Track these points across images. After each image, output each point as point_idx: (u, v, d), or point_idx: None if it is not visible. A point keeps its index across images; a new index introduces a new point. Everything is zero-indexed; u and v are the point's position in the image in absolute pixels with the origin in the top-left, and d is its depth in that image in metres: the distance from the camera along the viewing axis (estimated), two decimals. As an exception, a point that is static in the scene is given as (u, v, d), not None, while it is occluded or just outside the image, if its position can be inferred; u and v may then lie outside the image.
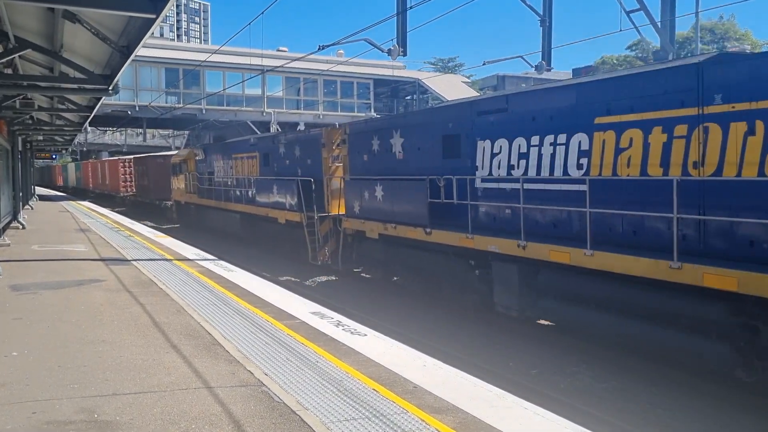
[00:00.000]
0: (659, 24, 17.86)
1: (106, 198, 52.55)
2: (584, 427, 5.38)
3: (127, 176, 47.15)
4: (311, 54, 27.94)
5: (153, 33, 10.13)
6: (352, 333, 8.27)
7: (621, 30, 18.40)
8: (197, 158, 29.00)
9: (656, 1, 18.42)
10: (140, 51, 11.24)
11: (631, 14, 18.05)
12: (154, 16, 8.53)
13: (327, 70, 41.92)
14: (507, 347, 10.65)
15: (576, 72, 11.64)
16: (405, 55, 18.56)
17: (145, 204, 41.74)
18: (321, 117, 47.03)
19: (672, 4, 17.90)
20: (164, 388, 6.13)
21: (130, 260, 14.75)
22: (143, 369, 6.70)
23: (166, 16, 9.11)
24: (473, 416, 5.44)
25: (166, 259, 15.09)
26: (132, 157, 47.37)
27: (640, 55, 49.42)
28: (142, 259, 14.87)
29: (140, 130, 52.98)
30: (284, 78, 46.16)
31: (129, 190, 47.03)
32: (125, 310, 9.54)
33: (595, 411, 7.80)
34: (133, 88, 42.03)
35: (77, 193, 64.50)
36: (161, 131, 63.15)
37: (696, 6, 21.13)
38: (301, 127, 42.74)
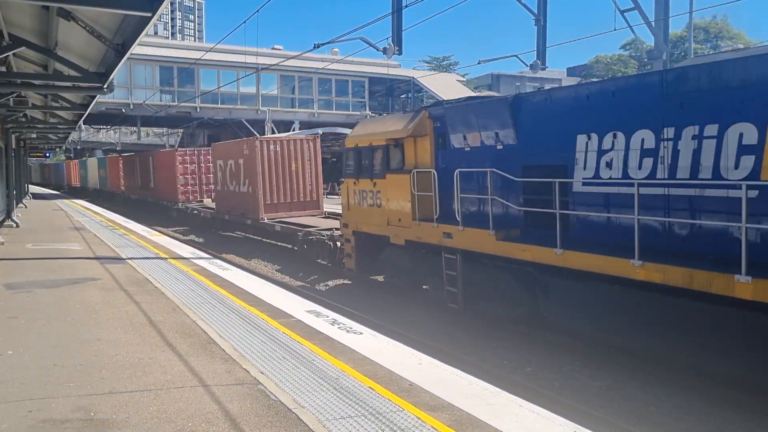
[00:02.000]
0: (653, 23, 17.96)
1: (150, 209, 36.62)
2: (579, 424, 5.42)
3: (189, 176, 31.29)
4: (306, 52, 27.98)
5: (148, 31, 10.11)
6: (347, 331, 8.29)
7: (615, 29, 18.52)
8: (465, 135, 11.88)
9: (650, 1, 18.51)
10: (135, 49, 11.23)
11: (625, 13, 18.16)
12: (149, 15, 8.54)
13: (322, 69, 41.91)
14: (502, 345, 10.68)
15: (571, 71, 11.60)
16: (400, 53, 18.65)
17: (240, 227, 25.42)
18: (316, 115, 47.04)
19: (666, 3, 18.00)
20: (160, 386, 6.14)
21: (125, 259, 14.73)
22: (139, 367, 6.70)
23: (161, 14, 9.09)
24: (468, 414, 5.47)
25: (161, 258, 15.07)
26: (212, 145, 29.22)
27: (634, 54, 49.53)
28: (137, 258, 14.86)
29: (134, 129, 52.87)
30: (279, 76, 46.15)
31: (193, 198, 31.14)
32: (120, 308, 9.54)
33: (589, 409, 7.83)
34: (127, 86, 41.97)
35: (102, 197, 50.39)
36: (155, 130, 63.02)
37: (690, 5, 21.20)
38: (296, 126, 42.80)
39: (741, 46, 35.00)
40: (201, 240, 26.27)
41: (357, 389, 6.07)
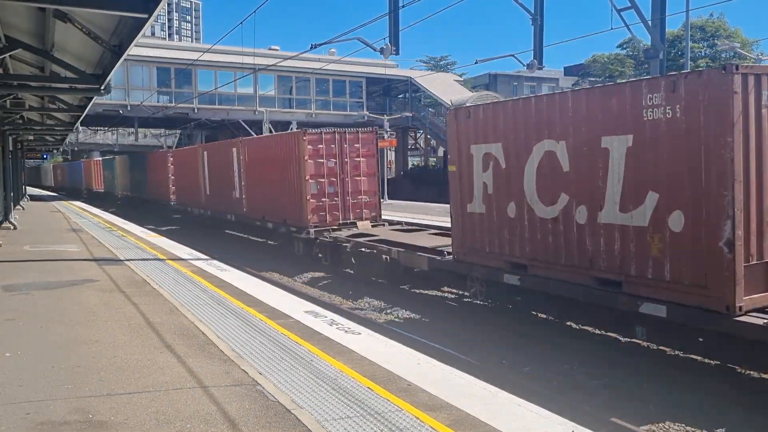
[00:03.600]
0: (650, 22, 18.00)
1: (238, 232, 25.01)
2: (577, 423, 5.42)
3: (326, 180, 18.62)
4: (303, 53, 27.99)
5: (144, 33, 10.11)
6: (346, 331, 8.28)
7: (612, 28, 18.61)
8: None
9: (647, 0, 18.55)
10: (131, 50, 11.22)
11: (622, 12, 18.21)
12: (146, 16, 8.53)
13: (319, 69, 41.91)
14: (500, 345, 10.69)
15: (568, 71, 11.68)
16: (397, 53, 18.72)
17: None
18: (314, 116, 47.03)
19: (662, 2, 18.05)
20: (159, 387, 6.14)
21: (123, 260, 14.71)
22: (137, 369, 6.70)
23: (158, 15, 9.08)
24: (467, 413, 5.47)
25: (159, 259, 15.06)
26: (472, 107, 12.17)
27: (631, 53, 49.57)
28: (135, 259, 14.84)
29: (132, 130, 52.83)
30: (276, 77, 46.14)
31: (332, 220, 18.65)
32: (119, 310, 9.53)
33: (587, 407, 7.84)
34: (124, 87, 41.91)
35: (137, 209, 38.15)
36: (153, 131, 63.00)
37: (686, 4, 21.26)
38: (294, 126, 42.81)
39: (738, 45, 35.07)
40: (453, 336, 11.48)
41: (355, 389, 6.07)
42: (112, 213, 33.04)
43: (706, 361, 9.13)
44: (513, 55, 21.28)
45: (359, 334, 8.22)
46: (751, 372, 8.51)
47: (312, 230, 18.08)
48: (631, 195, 8.93)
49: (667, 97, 8.35)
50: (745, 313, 7.72)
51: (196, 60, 36.13)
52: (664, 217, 8.54)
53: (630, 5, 17.84)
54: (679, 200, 8.36)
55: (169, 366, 6.80)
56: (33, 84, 14.79)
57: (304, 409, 5.58)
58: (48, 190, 69.86)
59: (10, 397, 5.86)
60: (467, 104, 12.79)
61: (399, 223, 19.94)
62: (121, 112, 42.32)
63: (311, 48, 22.18)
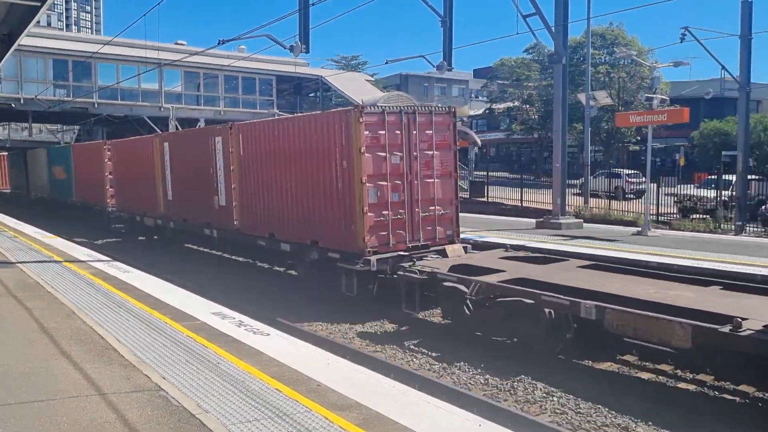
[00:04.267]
0: (553, 28, 18.69)
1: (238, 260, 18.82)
2: (484, 417, 5.52)
3: (390, 183, 12.49)
4: (211, 48, 27.28)
5: (39, 21, 9.56)
6: (254, 333, 8.13)
7: (518, 33, 19.24)
8: None
9: (551, 7, 19.26)
10: (25, 40, 10.59)
11: (527, 18, 18.82)
12: (38, 4, 8.08)
13: (228, 66, 41.04)
14: (411, 343, 10.78)
15: (477, 73, 11.87)
16: (307, 52, 18.53)
17: None
18: (222, 113, 46.02)
19: (565, 9, 18.80)
20: (53, 396, 5.80)
21: (14, 263, 13.86)
22: (29, 377, 6.32)
23: (54, 3, 8.61)
24: (377, 412, 5.47)
25: (56, 261, 14.29)
26: None
27: (536, 58, 51.30)
28: (28, 261, 14.02)
29: (25, 125, 49.94)
30: (183, 72, 44.81)
31: (414, 244, 12.84)
32: (9, 315, 8.96)
33: (497, 402, 8.01)
34: (17, 80, 39.58)
35: (63, 217, 30.50)
36: (49, 126, 59.80)
37: (587, 12, 22.25)
38: (201, 123, 41.78)
39: (634, 52, 37.07)
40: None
41: (263, 391, 5.96)
42: (20, 220, 25.77)
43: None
44: (423, 56, 21.62)
45: (268, 335, 8.08)
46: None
47: (373, 258, 12.13)
48: None
49: None
50: None
51: (96, 52, 34.56)
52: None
53: (535, 11, 18.47)
54: None
55: (65, 373, 6.45)
56: None
57: (210, 413, 5.41)
58: None
59: None
60: (379, 104, 11.82)
61: (501, 246, 14.61)
62: (13, 105, 39.90)
63: (219, 44, 21.57)
